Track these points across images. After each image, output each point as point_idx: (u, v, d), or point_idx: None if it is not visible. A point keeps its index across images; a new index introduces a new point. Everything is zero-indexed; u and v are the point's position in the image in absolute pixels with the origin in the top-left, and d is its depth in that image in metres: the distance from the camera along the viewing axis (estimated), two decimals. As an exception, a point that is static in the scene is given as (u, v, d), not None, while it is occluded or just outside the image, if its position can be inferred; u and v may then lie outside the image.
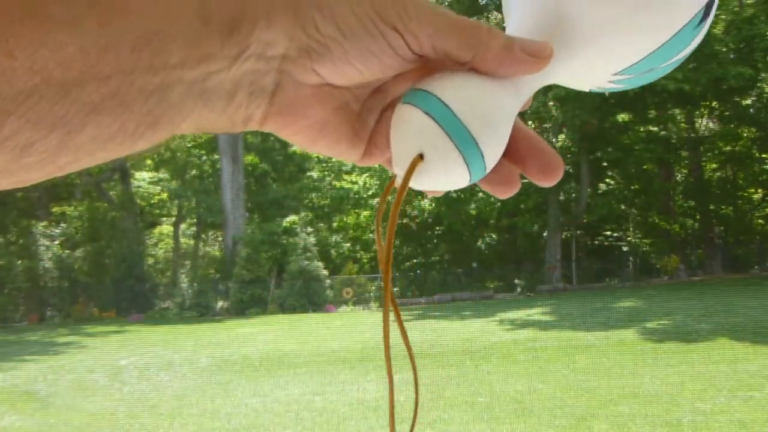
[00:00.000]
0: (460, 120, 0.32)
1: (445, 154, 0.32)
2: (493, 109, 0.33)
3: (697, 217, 24.66)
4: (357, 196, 23.90)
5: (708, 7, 0.34)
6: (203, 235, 28.03)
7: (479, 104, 0.33)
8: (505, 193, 0.37)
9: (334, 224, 26.82)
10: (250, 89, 0.32)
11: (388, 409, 0.36)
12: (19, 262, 19.54)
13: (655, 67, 0.36)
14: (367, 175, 23.21)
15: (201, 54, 0.29)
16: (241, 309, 18.23)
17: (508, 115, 0.34)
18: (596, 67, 0.36)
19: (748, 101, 21.20)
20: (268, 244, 19.63)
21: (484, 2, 22.81)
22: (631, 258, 23.97)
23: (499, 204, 23.42)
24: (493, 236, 25.97)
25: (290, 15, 0.31)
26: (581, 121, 18.96)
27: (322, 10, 0.31)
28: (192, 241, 28.06)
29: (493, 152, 0.33)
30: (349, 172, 24.55)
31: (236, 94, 0.32)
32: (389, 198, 0.34)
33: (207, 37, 0.29)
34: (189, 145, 27.18)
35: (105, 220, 22.63)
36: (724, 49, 18.13)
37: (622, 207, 22.88)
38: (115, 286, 20.15)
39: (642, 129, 23.16)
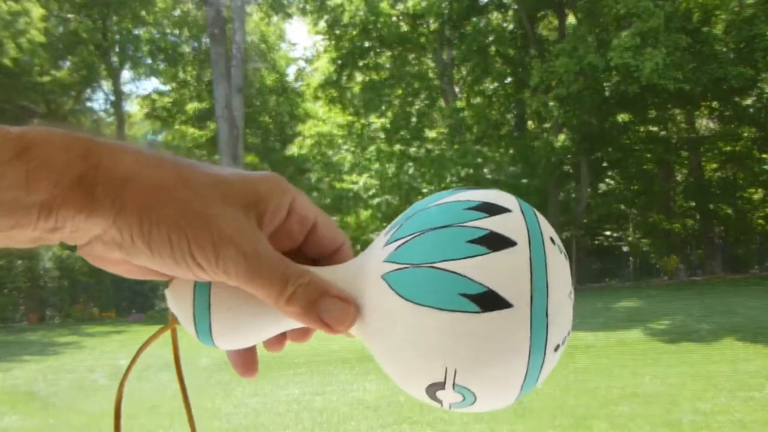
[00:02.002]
0: (210, 322, 0.38)
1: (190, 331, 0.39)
2: (248, 329, 0.38)
3: (697, 217, 24.65)
4: (357, 196, 23.90)
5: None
6: (203, 235, 28.01)
7: (237, 320, 0.38)
8: (244, 375, 0.41)
9: (334, 224, 26.76)
10: (60, 237, 0.33)
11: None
12: (19, 262, 19.53)
13: None
14: (367, 175, 23.21)
15: (14, 222, 0.30)
16: (241, 309, 18.22)
17: (260, 334, 0.39)
18: None
19: (748, 101, 21.20)
20: (268, 244, 19.63)
21: (484, 2, 22.80)
22: (631, 258, 23.98)
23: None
24: (493, 236, 25.94)
25: (110, 216, 0.31)
26: (581, 121, 18.95)
27: (141, 226, 0.31)
28: (192, 241, 28.04)
29: (229, 348, 0.40)
30: (349, 173, 24.56)
31: (42, 240, 0.32)
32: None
33: (25, 209, 0.29)
34: (189, 145, 27.18)
35: (105, 220, 22.65)
36: (724, 49, 18.13)
37: (622, 207, 22.90)
38: (115, 286, 20.13)
39: (642, 129, 23.15)
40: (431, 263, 0.34)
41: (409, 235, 0.35)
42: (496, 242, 0.34)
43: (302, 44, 57.59)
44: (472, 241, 0.34)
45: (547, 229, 0.36)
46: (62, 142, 0.30)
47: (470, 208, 0.35)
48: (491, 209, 0.35)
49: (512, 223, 0.35)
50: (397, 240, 0.36)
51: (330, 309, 0.35)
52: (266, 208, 0.35)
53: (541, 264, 0.34)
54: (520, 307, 0.33)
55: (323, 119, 26.22)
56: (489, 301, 0.33)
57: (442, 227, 0.35)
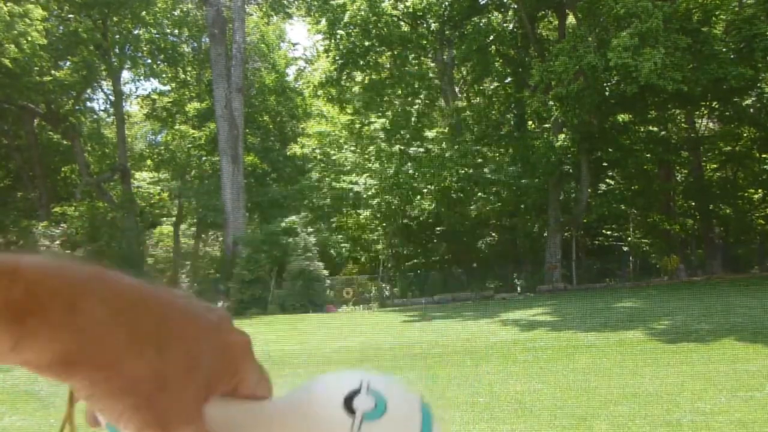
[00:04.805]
0: None
1: None
2: None
3: (697, 217, 24.65)
4: (357, 196, 23.92)
5: None
6: (203, 235, 28.00)
7: None
8: None
9: (334, 224, 26.79)
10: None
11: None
12: (19, 262, 19.50)
13: None
14: (367, 175, 23.22)
15: None
16: (242, 309, 18.21)
17: None
18: None
19: (748, 101, 21.19)
20: (268, 244, 19.61)
21: (484, 2, 22.80)
22: (631, 258, 23.96)
23: (499, 204, 23.42)
24: (493, 236, 25.97)
25: (83, 396, 0.33)
26: (581, 120, 18.95)
27: (119, 424, 0.32)
28: (192, 241, 28.03)
29: None
30: (348, 173, 24.57)
31: None
32: None
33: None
34: (189, 145, 27.17)
35: (105, 220, 22.62)
36: (724, 49, 18.13)
37: (622, 207, 22.91)
38: (115, 286, 20.09)
39: (642, 129, 23.15)
40: None
41: None
42: None
43: (302, 44, 57.52)
44: None
45: None
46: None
47: None
48: None
49: None
50: None
51: None
52: (216, 390, 0.36)
53: None
54: None
55: (327, 116, 26.20)
56: None
57: None
